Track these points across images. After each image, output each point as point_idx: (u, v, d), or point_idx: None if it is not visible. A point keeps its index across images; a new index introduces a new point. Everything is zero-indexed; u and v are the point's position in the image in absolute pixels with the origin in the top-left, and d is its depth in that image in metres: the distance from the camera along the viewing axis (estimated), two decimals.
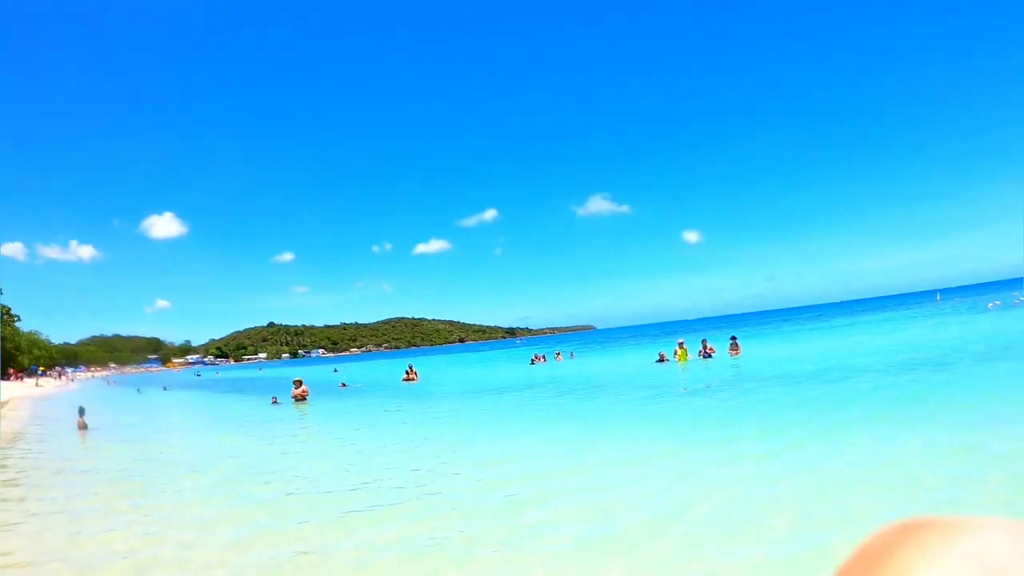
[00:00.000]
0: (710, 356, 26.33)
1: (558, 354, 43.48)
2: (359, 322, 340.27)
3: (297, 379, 25.27)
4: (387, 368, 59.12)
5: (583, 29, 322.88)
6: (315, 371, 70.13)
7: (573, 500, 6.89)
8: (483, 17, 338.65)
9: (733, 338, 27.49)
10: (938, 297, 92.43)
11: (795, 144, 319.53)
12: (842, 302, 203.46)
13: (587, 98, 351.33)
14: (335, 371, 60.28)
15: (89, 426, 18.81)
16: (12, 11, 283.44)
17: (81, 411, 19.20)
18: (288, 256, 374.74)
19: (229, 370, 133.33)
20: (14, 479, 11.13)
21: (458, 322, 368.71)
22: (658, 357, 27.49)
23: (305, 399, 24.05)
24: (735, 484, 6.83)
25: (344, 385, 30.69)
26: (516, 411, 16.04)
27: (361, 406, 21.71)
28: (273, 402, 24.02)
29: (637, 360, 31.32)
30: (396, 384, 30.83)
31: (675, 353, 26.76)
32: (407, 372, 32.37)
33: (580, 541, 5.45)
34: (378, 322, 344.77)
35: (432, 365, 52.43)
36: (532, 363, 42.05)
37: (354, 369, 65.31)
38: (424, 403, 20.73)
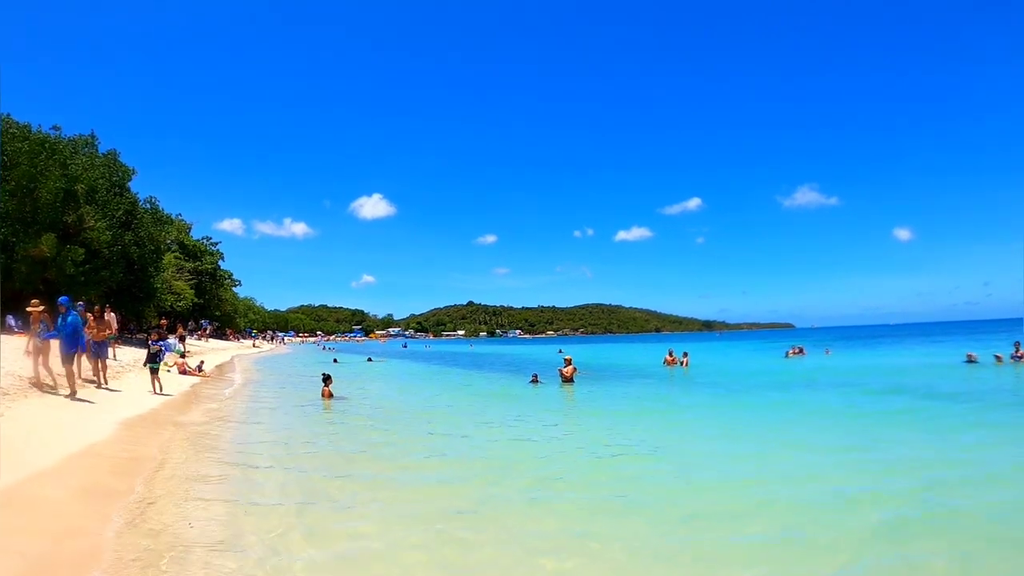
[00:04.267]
0: (1021, 360, 24.78)
1: (795, 350, 39.86)
2: (556, 306, 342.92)
3: (568, 357, 23.08)
4: (609, 352, 56.15)
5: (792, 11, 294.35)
6: (535, 351, 69.16)
7: None
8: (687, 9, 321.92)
9: None
10: None
11: (1016, 133, 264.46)
12: None
13: (795, 84, 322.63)
14: (559, 352, 58.11)
15: (335, 395, 16.86)
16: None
17: (326, 379, 17.16)
18: (491, 238, 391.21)
19: (437, 344, 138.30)
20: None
21: (655, 311, 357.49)
22: (966, 358, 26.67)
23: (571, 379, 21.65)
24: None
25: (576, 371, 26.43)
26: None
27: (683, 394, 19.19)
28: (533, 380, 21.77)
29: (929, 359, 30.34)
30: (658, 370, 28.04)
31: (996, 358, 25.25)
32: (677, 358, 29.34)
33: None
34: (575, 307, 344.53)
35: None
36: (787, 356, 37.64)
37: (578, 352, 62.25)
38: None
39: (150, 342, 17.16)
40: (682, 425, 12.65)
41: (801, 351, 38.76)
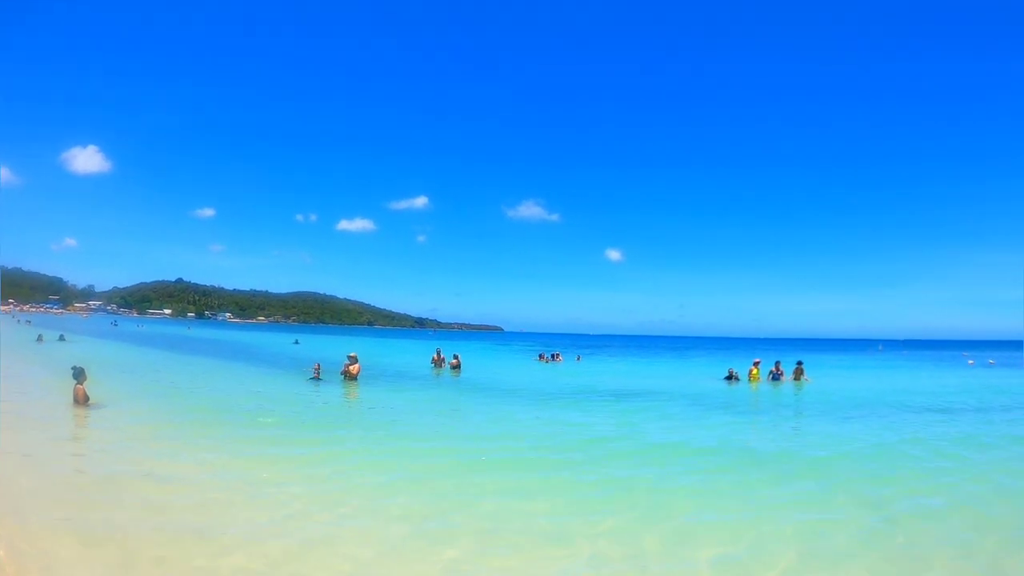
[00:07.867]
0: (779, 378, 26.54)
1: (556, 355, 42.82)
2: (269, 291, 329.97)
3: (353, 354, 22.37)
4: (345, 346, 54.80)
5: (536, 37, 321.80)
6: (264, 339, 65.62)
7: None
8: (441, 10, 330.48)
9: (799, 363, 27.61)
10: (880, 348, 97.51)
11: (713, 178, 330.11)
12: (761, 339, 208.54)
13: (533, 102, 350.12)
14: (296, 343, 57.44)
15: (92, 399, 13.38)
16: None
17: (79, 374, 13.46)
18: (209, 212, 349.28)
19: (149, 324, 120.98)
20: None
21: (368, 305, 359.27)
22: (728, 374, 27.67)
23: (355, 379, 21.34)
24: None
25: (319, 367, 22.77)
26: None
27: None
28: (314, 376, 21.49)
29: (694, 375, 32.13)
30: (426, 371, 29.31)
31: (749, 373, 26.80)
32: (448, 359, 29.96)
33: None
34: (289, 293, 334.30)
35: (403, 350, 50.15)
36: (541, 360, 41.17)
37: (312, 342, 61.77)
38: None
39: None
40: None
41: (557, 357, 41.52)
